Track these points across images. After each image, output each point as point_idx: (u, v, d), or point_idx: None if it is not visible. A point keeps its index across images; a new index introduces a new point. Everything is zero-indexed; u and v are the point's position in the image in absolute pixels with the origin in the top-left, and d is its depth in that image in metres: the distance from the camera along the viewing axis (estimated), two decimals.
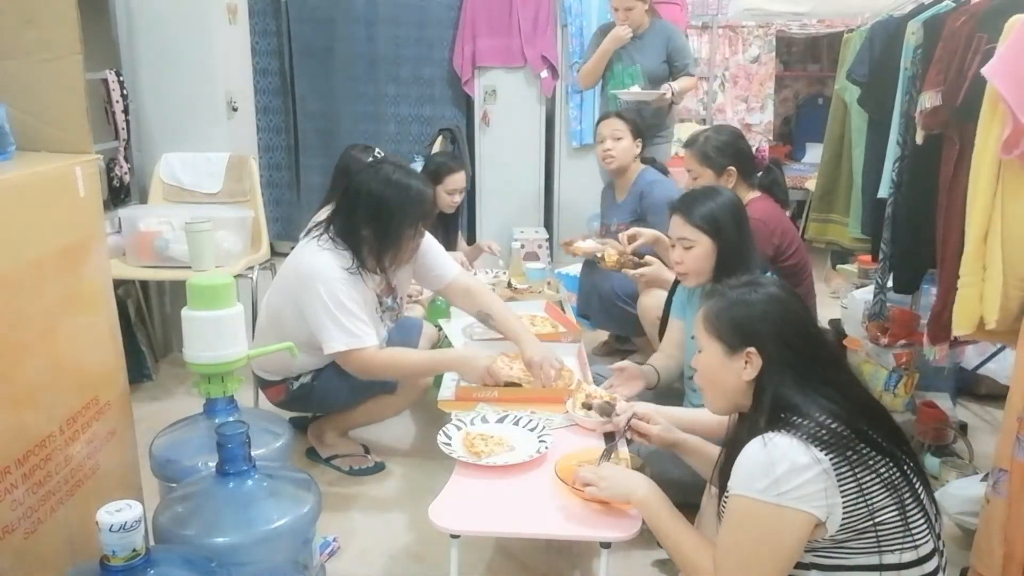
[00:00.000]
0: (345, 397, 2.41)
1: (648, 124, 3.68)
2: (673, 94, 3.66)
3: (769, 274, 2.23)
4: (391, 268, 2.33)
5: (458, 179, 3.32)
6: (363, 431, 2.71)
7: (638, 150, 3.17)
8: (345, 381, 2.32)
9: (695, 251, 2.08)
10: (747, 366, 1.38)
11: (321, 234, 2.27)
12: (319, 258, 2.21)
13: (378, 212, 2.20)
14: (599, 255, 2.96)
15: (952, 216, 2.04)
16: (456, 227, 3.61)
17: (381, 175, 2.23)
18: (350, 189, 2.28)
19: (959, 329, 1.89)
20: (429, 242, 2.48)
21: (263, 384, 2.49)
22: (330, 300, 2.14)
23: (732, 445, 1.38)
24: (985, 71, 1.69)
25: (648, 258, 2.79)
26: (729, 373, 1.41)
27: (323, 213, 2.76)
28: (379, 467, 2.53)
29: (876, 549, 1.24)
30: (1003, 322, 1.77)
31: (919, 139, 2.23)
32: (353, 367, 2.20)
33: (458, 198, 3.36)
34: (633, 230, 2.78)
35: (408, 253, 2.31)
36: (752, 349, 1.37)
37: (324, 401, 2.44)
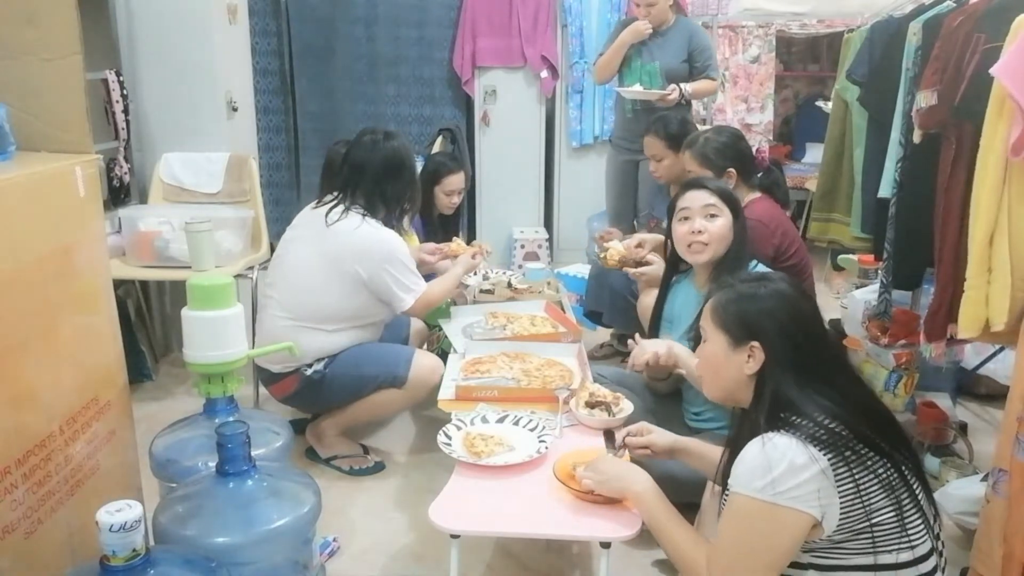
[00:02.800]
0: (355, 386, 2.43)
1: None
2: (683, 95, 3.53)
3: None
4: (412, 212, 2.67)
5: (456, 180, 3.30)
6: (363, 430, 2.71)
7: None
8: (357, 369, 2.39)
9: (720, 221, 2.08)
10: (750, 360, 1.38)
11: (355, 214, 2.43)
12: (375, 231, 2.42)
13: (398, 170, 2.50)
14: (601, 253, 2.96)
15: (949, 215, 2.05)
16: (457, 228, 3.61)
17: (378, 143, 2.49)
18: (357, 167, 2.47)
19: (965, 332, 1.87)
20: None
21: (271, 378, 2.48)
22: (408, 265, 2.46)
23: (734, 444, 1.38)
24: (994, 70, 1.68)
25: (649, 257, 2.79)
26: (731, 365, 1.41)
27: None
28: (379, 467, 2.53)
29: (872, 549, 1.24)
30: (1011, 323, 1.76)
31: (916, 138, 2.24)
32: (422, 306, 2.52)
33: (456, 199, 3.32)
34: (638, 237, 2.79)
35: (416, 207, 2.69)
36: (756, 343, 1.38)
37: (334, 390, 2.44)
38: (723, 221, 2.08)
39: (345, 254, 2.39)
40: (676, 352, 2.01)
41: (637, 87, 3.57)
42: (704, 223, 2.08)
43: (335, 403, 2.51)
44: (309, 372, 2.40)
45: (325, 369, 2.40)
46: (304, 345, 2.31)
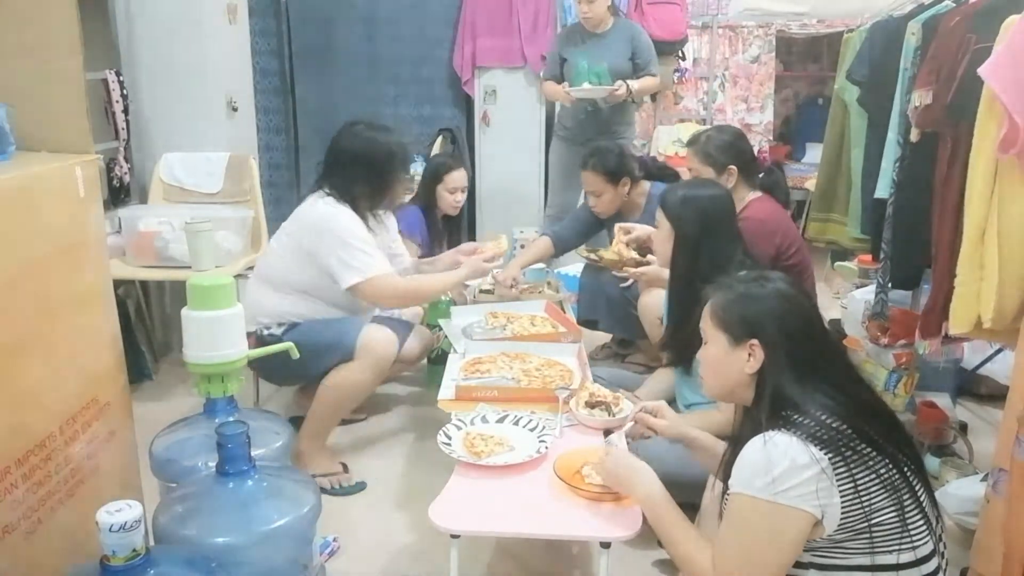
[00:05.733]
0: (309, 354, 2.21)
1: (606, 122, 3.76)
2: (630, 92, 3.66)
3: None
4: (385, 213, 2.61)
5: (458, 177, 3.29)
6: (362, 430, 2.70)
7: (626, 189, 3.08)
8: (309, 336, 2.31)
9: (657, 232, 2.23)
10: (750, 358, 1.39)
11: (322, 193, 2.46)
12: (327, 208, 2.41)
13: (369, 169, 2.46)
14: (595, 255, 2.97)
15: (946, 213, 2.06)
16: (460, 231, 3.57)
17: (360, 136, 2.50)
18: (334, 152, 2.52)
19: (956, 328, 1.89)
20: (393, 224, 2.74)
21: None
22: (347, 236, 2.37)
23: (737, 441, 1.38)
24: (981, 71, 1.70)
25: (649, 257, 2.79)
26: (732, 365, 1.42)
27: None
28: (360, 486, 2.42)
29: (869, 549, 1.24)
30: (999, 321, 1.77)
31: (914, 137, 2.26)
32: (374, 294, 2.42)
33: (460, 197, 3.31)
34: (629, 224, 2.79)
35: (399, 197, 2.67)
36: (755, 341, 1.38)
37: (287, 363, 2.18)
38: (659, 232, 2.25)
39: (299, 227, 2.46)
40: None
41: (586, 85, 3.64)
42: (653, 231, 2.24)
43: (294, 373, 2.39)
44: (265, 334, 2.40)
45: (282, 335, 2.37)
46: (263, 303, 2.42)
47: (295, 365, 2.30)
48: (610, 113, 3.75)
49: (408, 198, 4.16)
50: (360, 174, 2.46)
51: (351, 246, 2.37)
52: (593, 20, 3.69)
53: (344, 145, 2.51)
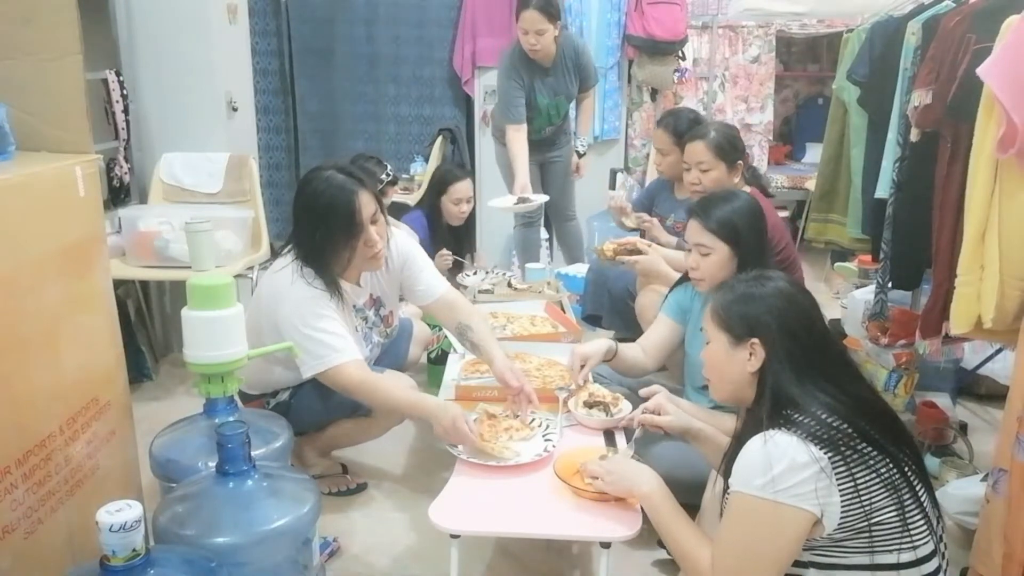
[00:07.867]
0: (321, 417, 2.29)
1: (553, 135, 3.85)
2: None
3: None
4: (346, 274, 2.20)
5: (462, 188, 3.30)
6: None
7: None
8: (322, 401, 2.20)
9: (711, 258, 2.04)
10: (751, 357, 1.39)
11: (288, 253, 2.20)
12: (285, 279, 2.12)
13: (311, 224, 2.12)
14: (598, 247, 2.97)
15: (946, 213, 2.06)
16: (470, 242, 3.53)
17: (306, 189, 2.15)
18: (294, 203, 2.21)
19: (957, 328, 1.89)
20: (415, 255, 2.37)
21: (244, 399, 2.28)
22: (300, 321, 2.05)
23: (739, 439, 1.39)
24: (980, 71, 1.70)
25: (642, 247, 2.78)
26: (734, 364, 1.42)
27: None
28: (361, 488, 2.39)
29: (869, 549, 1.24)
30: (1000, 321, 1.77)
31: (914, 136, 2.26)
32: (331, 383, 2.09)
33: (465, 208, 3.31)
34: (633, 253, 2.81)
35: (361, 260, 2.16)
36: (756, 340, 1.39)
37: (301, 419, 2.20)
38: (715, 258, 2.05)
39: (255, 297, 2.27)
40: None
41: (508, 202, 3.48)
42: (697, 259, 2.09)
43: (304, 428, 2.31)
44: (272, 404, 2.27)
45: (290, 400, 2.26)
46: (273, 376, 2.23)
47: (309, 419, 2.28)
48: (554, 129, 3.84)
49: (413, 203, 4.18)
50: (305, 231, 2.14)
51: (304, 328, 2.05)
52: (542, 53, 3.50)
53: (297, 196, 2.19)
